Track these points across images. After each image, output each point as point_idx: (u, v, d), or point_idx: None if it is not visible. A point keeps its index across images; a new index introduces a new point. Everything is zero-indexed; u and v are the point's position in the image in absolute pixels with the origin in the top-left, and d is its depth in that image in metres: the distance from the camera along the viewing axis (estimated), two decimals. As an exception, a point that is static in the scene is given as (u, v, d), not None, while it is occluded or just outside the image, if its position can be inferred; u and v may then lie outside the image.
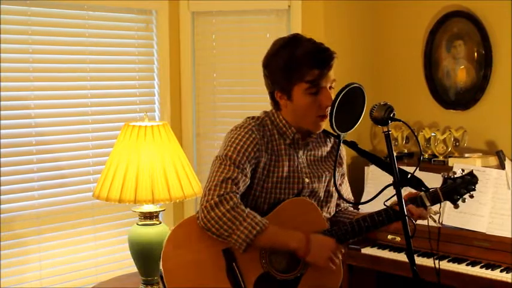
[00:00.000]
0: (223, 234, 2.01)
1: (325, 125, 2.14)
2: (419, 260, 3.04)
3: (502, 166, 3.21)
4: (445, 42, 3.68)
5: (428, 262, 3.03)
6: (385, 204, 2.07)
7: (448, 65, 3.68)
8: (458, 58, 3.64)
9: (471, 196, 2.15)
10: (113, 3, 3.50)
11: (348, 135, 2.10)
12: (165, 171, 2.78)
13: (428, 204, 2.12)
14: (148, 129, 2.81)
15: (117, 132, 2.92)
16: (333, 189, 2.26)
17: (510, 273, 2.88)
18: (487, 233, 3.07)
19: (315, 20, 3.63)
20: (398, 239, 3.22)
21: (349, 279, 3.41)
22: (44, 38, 3.25)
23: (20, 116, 3.18)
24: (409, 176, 2.00)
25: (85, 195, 3.38)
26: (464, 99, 3.63)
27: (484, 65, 3.51)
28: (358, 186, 3.66)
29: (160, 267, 2.07)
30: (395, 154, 2.38)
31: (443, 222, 3.19)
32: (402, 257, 3.15)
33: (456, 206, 2.14)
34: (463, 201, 2.14)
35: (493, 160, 3.32)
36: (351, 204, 2.40)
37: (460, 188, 2.13)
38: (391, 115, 1.93)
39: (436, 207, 2.16)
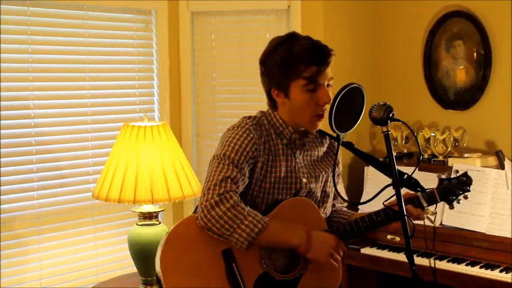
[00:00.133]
0: (224, 233, 2.00)
1: (322, 124, 2.14)
2: (418, 260, 3.02)
3: (501, 166, 3.21)
4: (445, 42, 3.68)
5: (427, 262, 3.03)
6: (384, 205, 2.07)
7: (448, 65, 3.68)
8: (457, 58, 3.64)
9: (465, 197, 2.17)
10: (112, 4, 3.50)
11: (347, 136, 2.10)
12: (164, 171, 2.78)
13: (425, 204, 2.12)
14: (148, 129, 2.81)
15: (117, 133, 2.92)
16: (329, 189, 2.27)
17: (510, 274, 2.88)
18: (487, 233, 3.07)
19: (314, 20, 3.64)
20: (397, 239, 3.22)
21: (349, 279, 3.41)
22: (43, 38, 3.25)
23: (20, 116, 3.18)
24: (405, 177, 2.00)
25: (85, 196, 3.38)
26: (464, 99, 3.63)
27: (483, 65, 3.51)
28: (357, 187, 3.66)
29: (158, 268, 2.04)
30: (394, 154, 2.39)
31: (443, 222, 3.19)
32: (402, 257, 3.15)
33: (451, 207, 2.14)
34: (458, 202, 2.15)
35: (492, 160, 3.32)
36: (346, 204, 2.40)
37: (455, 189, 2.14)
38: (391, 115, 1.93)
39: (433, 208, 2.16)
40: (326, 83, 2.09)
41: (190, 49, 3.79)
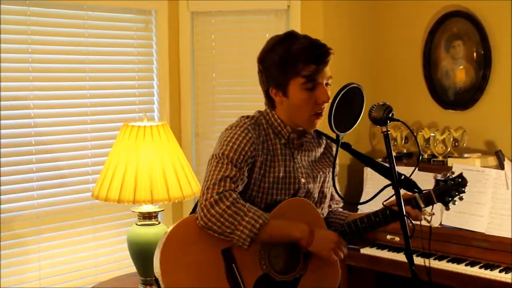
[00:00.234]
0: (225, 231, 1.99)
1: (320, 123, 2.14)
2: (418, 260, 3.02)
3: (501, 166, 3.21)
4: (444, 42, 3.68)
5: (427, 262, 3.02)
6: (383, 205, 2.07)
7: (447, 65, 3.68)
8: (457, 58, 3.64)
9: (461, 198, 2.18)
10: (112, 4, 3.50)
11: (347, 136, 2.10)
12: (164, 171, 2.78)
13: (422, 205, 2.13)
14: (148, 129, 2.81)
15: (116, 133, 2.92)
16: (326, 190, 2.26)
17: (509, 274, 2.88)
18: (486, 233, 3.07)
19: (314, 20, 3.64)
20: (397, 239, 3.22)
21: (349, 279, 3.41)
22: (43, 38, 3.25)
23: (20, 116, 3.18)
24: (402, 178, 2.00)
25: (84, 196, 3.38)
26: (464, 99, 3.63)
27: (483, 65, 3.51)
28: (357, 187, 3.66)
29: (157, 269, 2.03)
30: (394, 154, 2.38)
31: (442, 223, 3.19)
32: (401, 257, 3.15)
33: (447, 208, 2.15)
34: (454, 203, 2.16)
35: (492, 160, 3.32)
36: (341, 205, 2.40)
37: (451, 190, 2.15)
38: (390, 115, 1.93)
39: (430, 209, 2.16)
40: (325, 82, 2.09)
41: (190, 49, 3.79)
